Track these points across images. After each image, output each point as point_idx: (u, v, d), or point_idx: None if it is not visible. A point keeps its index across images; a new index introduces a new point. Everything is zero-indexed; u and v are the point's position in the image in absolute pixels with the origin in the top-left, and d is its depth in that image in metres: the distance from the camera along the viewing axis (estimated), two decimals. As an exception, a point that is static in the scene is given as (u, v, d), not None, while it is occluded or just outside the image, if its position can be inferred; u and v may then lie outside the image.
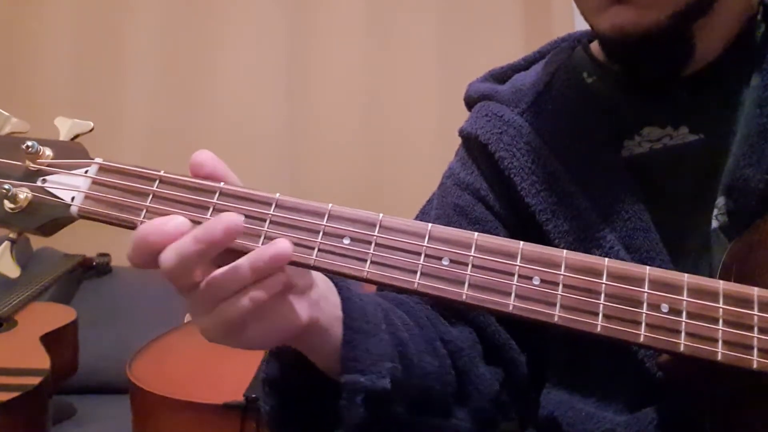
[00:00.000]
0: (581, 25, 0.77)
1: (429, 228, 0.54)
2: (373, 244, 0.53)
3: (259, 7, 2.37)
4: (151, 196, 0.54)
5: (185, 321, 1.88)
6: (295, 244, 0.52)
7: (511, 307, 0.52)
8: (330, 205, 0.54)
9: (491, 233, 0.58)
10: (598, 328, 0.51)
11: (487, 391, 0.71)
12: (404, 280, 0.52)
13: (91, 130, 0.58)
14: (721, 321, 0.52)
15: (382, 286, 0.54)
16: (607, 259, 0.53)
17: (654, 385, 0.66)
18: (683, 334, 0.51)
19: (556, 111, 0.76)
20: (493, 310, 0.52)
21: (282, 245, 0.50)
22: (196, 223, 0.51)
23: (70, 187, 0.55)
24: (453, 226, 0.55)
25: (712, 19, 0.68)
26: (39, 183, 0.56)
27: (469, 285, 0.52)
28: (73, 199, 0.55)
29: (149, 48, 2.31)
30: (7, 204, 0.55)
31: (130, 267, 1.84)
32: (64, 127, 0.58)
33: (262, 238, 0.53)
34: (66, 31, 2.27)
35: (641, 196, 0.70)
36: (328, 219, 0.53)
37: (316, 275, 0.56)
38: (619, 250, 0.67)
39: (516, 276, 0.52)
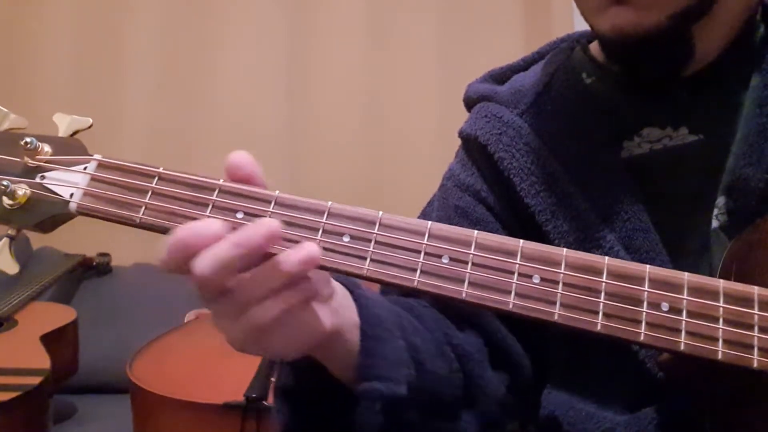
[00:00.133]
0: (581, 26, 0.77)
1: (429, 226, 0.54)
2: (372, 242, 0.53)
3: (259, 7, 2.37)
4: (150, 193, 0.54)
5: (185, 321, 1.88)
6: (294, 242, 0.52)
7: (511, 306, 0.52)
8: (330, 202, 0.54)
9: None
10: (598, 327, 0.51)
11: (494, 394, 0.71)
12: (404, 278, 0.52)
13: (90, 127, 0.58)
14: (721, 320, 0.52)
15: (381, 284, 0.53)
16: (607, 257, 0.53)
17: (654, 385, 0.66)
18: (683, 332, 0.51)
19: (556, 112, 0.76)
20: (493, 308, 0.52)
21: (312, 248, 0.49)
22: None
23: (68, 183, 0.55)
24: None
25: (712, 20, 0.68)
26: (38, 179, 0.55)
27: (469, 283, 0.52)
28: (71, 195, 0.55)
29: (149, 48, 2.31)
30: (6, 200, 0.55)
31: (130, 267, 1.85)
32: (63, 124, 0.58)
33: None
34: (66, 30, 2.27)
35: (641, 197, 0.70)
36: (327, 216, 0.53)
37: (334, 283, 0.56)
38: (619, 251, 0.67)
39: (516, 274, 0.52)
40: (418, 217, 0.83)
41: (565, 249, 0.53)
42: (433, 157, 2.21)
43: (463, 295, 0.52)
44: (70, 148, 0.57)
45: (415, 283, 0.52)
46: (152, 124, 2.29)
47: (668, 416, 0.65)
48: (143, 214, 0.53)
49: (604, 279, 0.52)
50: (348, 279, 0.57)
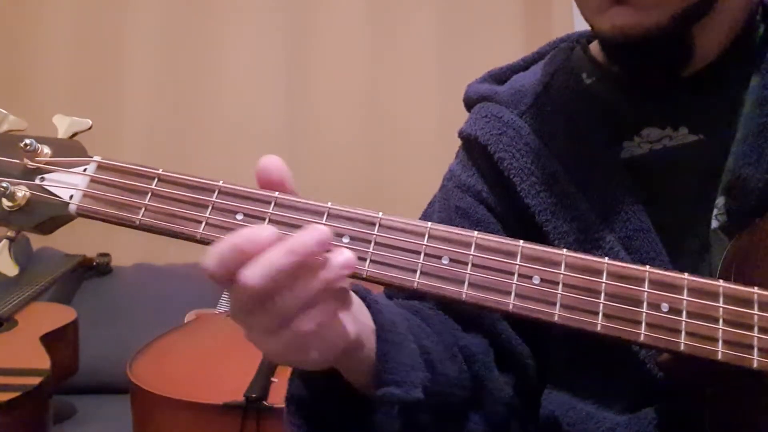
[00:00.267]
0: (581, 25, 0.77)
1: (428, 227, 0.54)
2: (372, 243, 0.53)
3: (259, 7, 2.37)
4: (149, 195, 0.54)
5: (185, 321, 1.88)
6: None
7: (511, 307, 0.52)
8: (329, 203, 0.54)
9: None
10: (599, 327, 0.51)
11: (501, 395, 0.71)
12: (404, 279, 0.52)
13: (89, 128, 0.58)
14: (721, 320, 0.52)
15: (381, 285, 0.53)
16: (607, 258, 0.53)
17: (654, 386, 0.66)
18: (683, 333, 0.51)
19: (556, 112, 0.76)
20: (493, 309, 0.52)
21: (348, 253, 0.49)
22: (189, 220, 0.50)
23: (68, 185, 0.55)
24: None
25: (712, 20, 0.68)
26: (37, 181, 0.55)
27: (469, 284, 0.52)
28: (71, 197, 0.55)
29: (149, 48, 2.31)
30: (5, 202, 0.55)
31: (130, 267, 1.85)
32: (63, 125, 0.58)
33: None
34: (66, 31, 2.27)
35: (641, 197, 0.69)
36: (327, 218, 0.53)
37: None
38: (619, 251, 0.67)
39: (516, 275, 0.52)
40: (420, 218, 0.84)
41: (564, 250, 0.53)
42: (433, 157, 2.21)
43: (463, 296, 0.52)
44: (70, 149, 0.57)
45: (415, 284, 0.52)
46: (152, 125, 2.29)
47: (668, 416, 0.65)
48: (143, 216, 0.53)
49: (604, 280, 0.52)
50: (357, 284, 0.56)
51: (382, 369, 0.57)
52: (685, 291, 0.52)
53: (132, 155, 2.19)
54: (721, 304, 0.52)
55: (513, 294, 0.52)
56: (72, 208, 0.54)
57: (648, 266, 0.53)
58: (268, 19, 2.37)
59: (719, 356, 0.51)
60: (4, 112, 0.57)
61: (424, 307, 0.71)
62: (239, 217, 0.53)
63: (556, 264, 0.53)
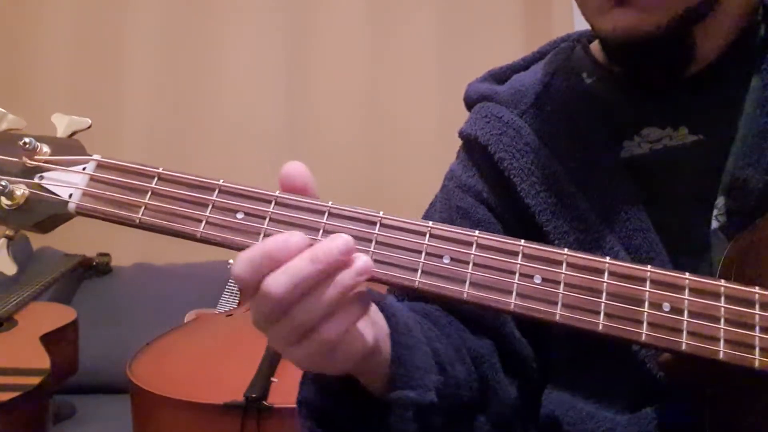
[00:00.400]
0: (581, 25, 0.77)
1: (429, 226, 0.53)
2: (373, 242, 0.53)
3: (259, 7, 2.37)
4: (149, 193, 0.54)
5: (185, 321, 1.88)
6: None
7: (512, 306, 0.52)
8: (330, 202, 0.53)
9: None
10: (600, 327, 0.51)
11: (505, 396, 0.71)
12: (405, 278, 0.52)
13: (88, 127, 0.58)
14: (722, 320, 0.52)
15: (382, 284, 0.53)
16: (608, 257, 0.53)
17: (654, 385, 0.66)
18: (685, 333, 0.51)
19: (556, 112, 0.76)
20: (494, 308, 0.52)
21: (367, 259, 0.49)
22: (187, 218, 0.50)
23: (67, 183, 0.55)
24: None
25: (713, 21, 0.68)
26: (36, 180, 0.55)
27: (471, 283, 0.52)
28: (70, 195, 0.54)
29: (149, 48, 2.31)
30: (4, 201, 0.54)
31: (130, 267, 1.85)
32: (62, 124, 0.57)
33: (262, 235, 0.52)
34: (66, 30, 2.27)
35: (641, 197, 0.69)
36: (328, 217, 0.53)
37: None
38: (619, 251, 0.67)
39: (517, 274, 0.52)
40: (422, 219, 0.84)
41: (566, 249, 0.53)
42: (433, 156, 2.21)
43: (465, 295, 0.52)
44: (69, 148, 0.57)
45: (417, 284, 0.52)
46: (152, 125, 2.29)
47: (668, 416, 0.65)
48: (143, 215, 0.53)
49: (605, 279, 0.52)
50: (369, 287, 0.56)
51: (397, 372, 0.57)
52: (687, 291, 0.52)
53: (132, 156, 2.17)
54: (722, 304, 0.52)
55: (514, 293, 0.52)
56: (71, 206, 0.54)
57: (649, 266, 0.53)
58: (268, 19, 2.37)
59: (721, 356, 0.51)
60: (3, 110, 0.57)
61: (432, 310, 0.71)
62: (239, 216, 0.53)
63: (558, 263, 0.53)
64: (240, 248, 0.51)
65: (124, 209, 0.54)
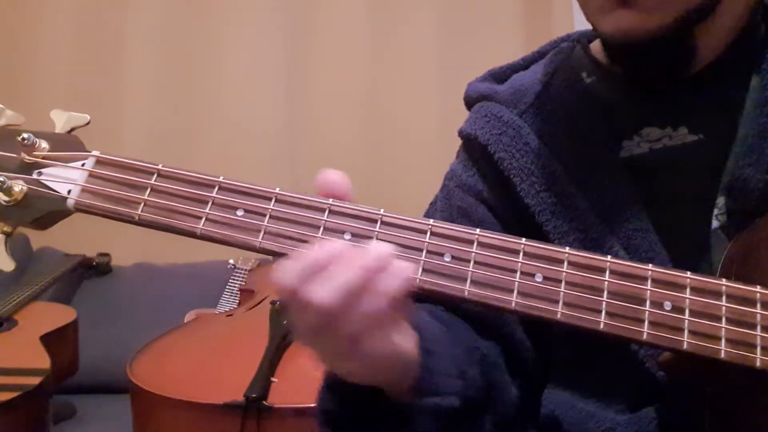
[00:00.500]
0: (581, 25, 0.77)
1: (430, 224, 0.53)
2: (374, 241, 0.52)
3: (259, 7, 2.37)
4: (149, 190, 0.54)
5: (185, 321, 1.88)
6: (295, 240, 0.51)
7: (513, 304, 0.51)
8: (330, 200, 0.53)
9: None
10: (601, 326, 0.51)
11: (510, 397, 0.71)
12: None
13: (87, 123, 0.58)
14: (724, 319, 0.51)
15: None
16: (609, 256, 0.53)
17: (655, 385, 0.66)
18: (686, 331, 0.51)
19: (555, 111, 0.75)
20: (495, 306, 0.52)
21: (407, 266, 0.49)
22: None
23: (66, 179, 0.54)
24: None
25: (714, 21, 0.67)
26: (34, 175, 0.55)
27: (472, 281, 0.52)
28: (69, 192, 0.54)
29: (149, 48, 2.31)
30: (2, 197, 0.54)
31: (130, 267, 1.85)
32: (60, 120, 0.57)
33: (262, 233, 0.52)
34: (66, 29, 2.27)
35: (640, 197, 0.69)
36: (328, 215, 0.53)
37: None
38: (619, 251, 0.67)
39: (518, 272, 0.52)
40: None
41: (567, 247, 0.53)
42: (433, 157, 2.21)
43: (466, 293, 0.52)
44: (68, 144, 0.56)
45: (418, 282, 0.52)
46: (152, 124, 2.29)
47: (668, 416, 0.65)
48: (142, 211, 0.53)
49: (606, 278, 0.52)
50: None
51: (424, 378, 0.57)
52: (688, 289, 0.52)
53: (132, 155, 2.18)
54: (724, 303, 0.52)
55: (515, 291, 0.52)
56: (70, 202, 0.54)
57: (650, 265, 0.53)
58: (268, 19, 2.37)
59: (722, 355, 0.51)
60: (1, 106, 0.57)
61: (439, 311, 0.71)
62: (240, 213, 0.53)
63: (559, 262, 0.52)
64: (240, 245, 0.50)
65: (123, 206, 0.53)
